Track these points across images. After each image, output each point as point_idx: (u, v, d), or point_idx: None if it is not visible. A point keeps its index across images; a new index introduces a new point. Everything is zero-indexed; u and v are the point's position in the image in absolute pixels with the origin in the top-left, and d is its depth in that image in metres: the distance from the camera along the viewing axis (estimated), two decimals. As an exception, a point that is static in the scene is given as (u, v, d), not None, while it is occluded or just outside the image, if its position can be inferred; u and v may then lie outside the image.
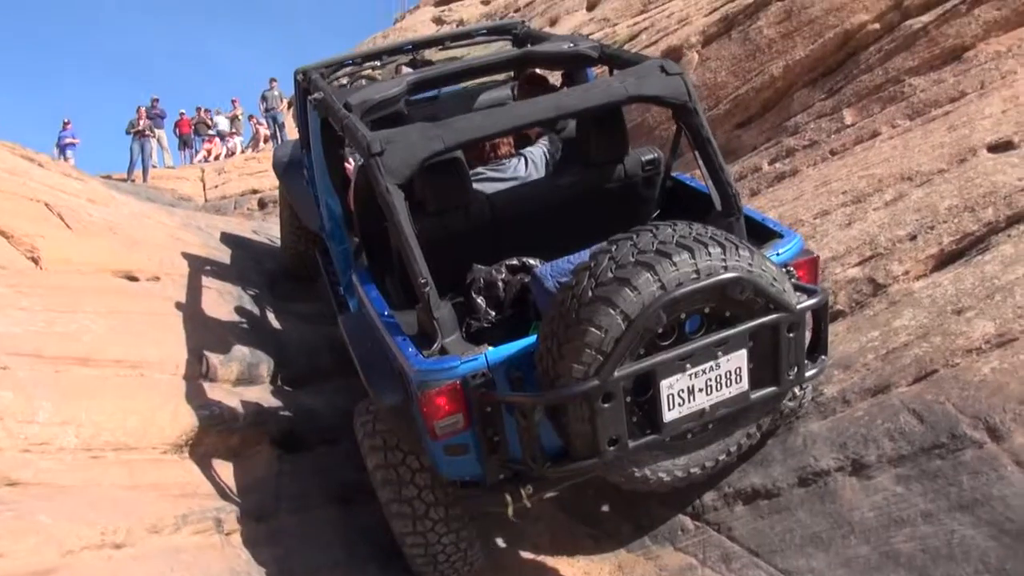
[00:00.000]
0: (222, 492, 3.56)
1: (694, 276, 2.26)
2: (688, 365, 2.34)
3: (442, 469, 2.73)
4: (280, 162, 5.63)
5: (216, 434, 3.77)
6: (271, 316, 5.34)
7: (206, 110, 17.96)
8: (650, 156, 3.37)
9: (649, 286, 2.23)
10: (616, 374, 2.25)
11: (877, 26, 5.32)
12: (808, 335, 2.59)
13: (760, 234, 3.00)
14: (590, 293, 2.26)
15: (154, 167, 14.82)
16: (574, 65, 3.85)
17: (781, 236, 2.96)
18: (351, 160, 4.08)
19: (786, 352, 2.44)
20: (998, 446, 2.70)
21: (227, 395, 4.04)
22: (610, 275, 2.25)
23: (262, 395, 4.29)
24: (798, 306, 2.43)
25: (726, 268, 2.29)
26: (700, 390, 2.39)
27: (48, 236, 4.64)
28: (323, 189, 3.79)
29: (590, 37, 8.73)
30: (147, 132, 14.55)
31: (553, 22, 11.75)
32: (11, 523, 2.66)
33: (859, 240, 3.95)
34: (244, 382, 4.33)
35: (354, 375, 3.13)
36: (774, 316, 2.38)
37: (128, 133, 14.56)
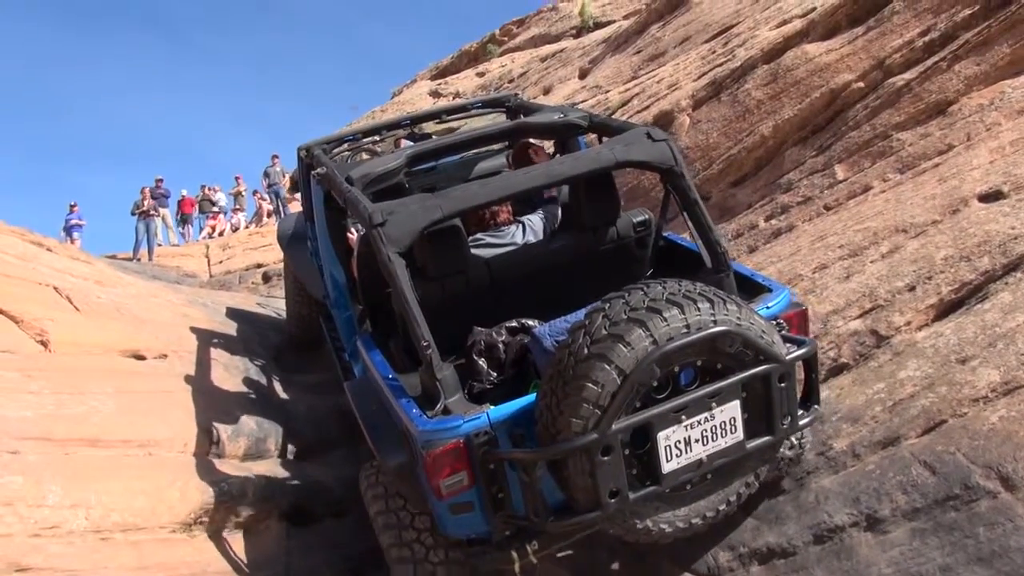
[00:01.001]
0: (231, 570, 3.51)
1: (684, 330, 2.33)
2: (684, 417, 2.40)
3: (448, 528, 2.74)
4: (284, 235, 5.77)
5: (225, 510, 3.74)
6: (278, 388, 5.35)
7: (210, 187, 18.28)
8: (641, 218, 3.48)
9: (642, 341, 2.30)
10: (614, 427, 2.31)
11: (862, 84, 5.48)
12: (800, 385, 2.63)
13: (750, 289, 3.10)
14: (586, 350, 2.33)
15: (159, 245, 15.02)
16: (565, 134, 3.97)
17: (770, 290, 3.05)
18: (353, 230, 4.18)
19: (779, 401, 2.49)
20: (1012, 495, 2.68)
21: (235, 470, 4.03)
22: (604, 332, 2.33)
23: (270, 468, 4.28)
24: (787, 356, 2.49)
25: (715, 322, 2.37)
26: (696, 441, 2.44)
27: (57, 319, 4.69)
28: (327, 259, 3.88)
29: (583, 104, 8.98)
30: (152, 212, 14.78)
31: (547, 91, 12.06)
32: (21, 611, 2.63)
33: (859, 292, 3.99)
34: (252, 456, 4.32)
35: (361, 443, 3.14)
36: (764, 367, 2.44)
37: (133, 214, 14.78)
